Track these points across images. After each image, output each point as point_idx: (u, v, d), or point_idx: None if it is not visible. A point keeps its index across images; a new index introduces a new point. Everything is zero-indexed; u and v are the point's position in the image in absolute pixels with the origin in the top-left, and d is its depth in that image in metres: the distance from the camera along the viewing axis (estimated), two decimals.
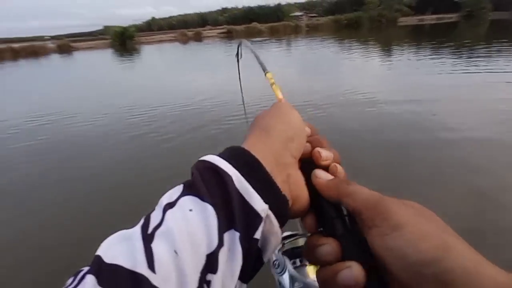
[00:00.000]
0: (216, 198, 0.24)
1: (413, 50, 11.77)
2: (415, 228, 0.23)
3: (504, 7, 44.40)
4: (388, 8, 45.91)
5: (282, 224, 0.27)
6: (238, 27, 37.85)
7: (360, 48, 13.52)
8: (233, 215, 0.24)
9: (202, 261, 0.22)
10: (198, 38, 32.52)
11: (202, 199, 0.24)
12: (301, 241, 0.60)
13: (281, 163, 0.29)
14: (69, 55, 25.10)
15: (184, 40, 31.07)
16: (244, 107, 0.91)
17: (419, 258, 0.22)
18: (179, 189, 0.26)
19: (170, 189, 0.27)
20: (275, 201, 0.26)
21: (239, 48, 0.75)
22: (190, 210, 0.24)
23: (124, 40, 30.86)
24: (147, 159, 3.58)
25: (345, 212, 0.29)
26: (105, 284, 0.20)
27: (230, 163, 0.26)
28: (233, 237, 0.24)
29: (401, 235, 0.23)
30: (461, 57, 8.77)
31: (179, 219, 0.23)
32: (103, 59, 20.35)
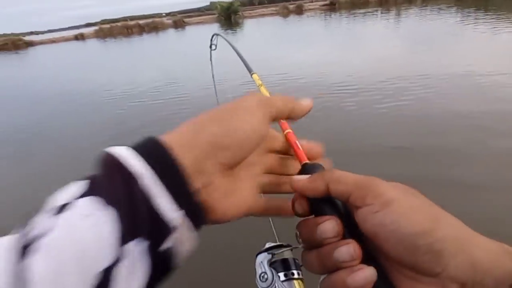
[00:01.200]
0: (120, 201, 0.21)
1: None
2: (405, 203, 0.24)
3: None
4: None
5: (196, 230, 0.25)
6: None
7: (493, 21, 11.49)
8: (138, 222, 0.21)
9: (92, 280, 0.19)
10: (300, 11, 31.97)
11: (103, 203, 0.21)
12: (287, 254, 0.54)
13: (201, 169, 0.25)
14: (182, 30, 27.91)
15: (285, 14, 31.03)
16: (217, 100, 0.87)
17: (413, 229, 0.23)
18: (78, 186, 0.23)
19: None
20: (189, 208, 0.24)
21: (213, 40, 0.75)
22: (87, 215, 0.20)
23: (229, 15, 32.50)
24: None
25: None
26: None
27: (141, 159, 0.23)
28: (138, 248, 0.21)
29: (393, 210, 0.24)
30: None
31: (70, 226, 0.20)
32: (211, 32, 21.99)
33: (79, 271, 0.19)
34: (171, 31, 27.40)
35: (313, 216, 0.29)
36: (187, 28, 29.35)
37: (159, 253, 0.23)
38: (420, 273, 0.23)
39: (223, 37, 0.65)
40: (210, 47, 0.79)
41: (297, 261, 0.46)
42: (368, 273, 0.24)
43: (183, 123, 0.27)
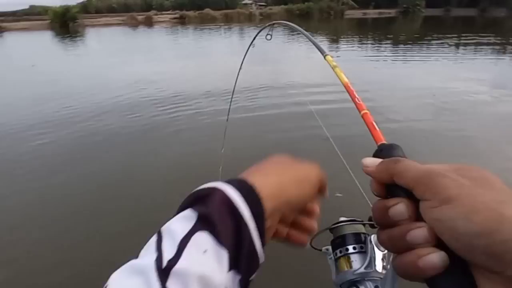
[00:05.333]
0: (231, 242, 0.26)
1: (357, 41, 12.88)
2: (467, 201, 0.23)
3: (436, 4, 49.41)
4: (336, 1, 47.76)
5: None
6: (190, 13, 36.91)
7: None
8: (240, 259, 0.26)
9: None
10: (149, 23, 31.12)
11: (218, 241, 0.25)
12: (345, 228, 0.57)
13: (271, 216, 0.30)
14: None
15: (134, 24, 29.54)
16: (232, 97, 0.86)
17: (469, 229, 0.22)
18: (191, 218, 0.26)
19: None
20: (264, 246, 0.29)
21: (269, 30, 0.78)
22: (205, 251, 0.24)
23: (65, 22, 28.41)
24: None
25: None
26: None
27: (247, 207, 0.27)
28: (234, 278, 0.25)
29: (451, 208, 0.23)
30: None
31: (195, 260, 0.24)
32: (43, 42, 18.61)
33: None
34: None
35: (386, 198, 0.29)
36: (6, 35, 23.84)
37: (247, 284, 0.27)
38: (480, 268, 0.23)
39: (288, 24, 0.61)
40: (266, 36, 0.74)
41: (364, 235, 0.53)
42: (439, 257, 0.23)
43: (267, 165, 0.33)
